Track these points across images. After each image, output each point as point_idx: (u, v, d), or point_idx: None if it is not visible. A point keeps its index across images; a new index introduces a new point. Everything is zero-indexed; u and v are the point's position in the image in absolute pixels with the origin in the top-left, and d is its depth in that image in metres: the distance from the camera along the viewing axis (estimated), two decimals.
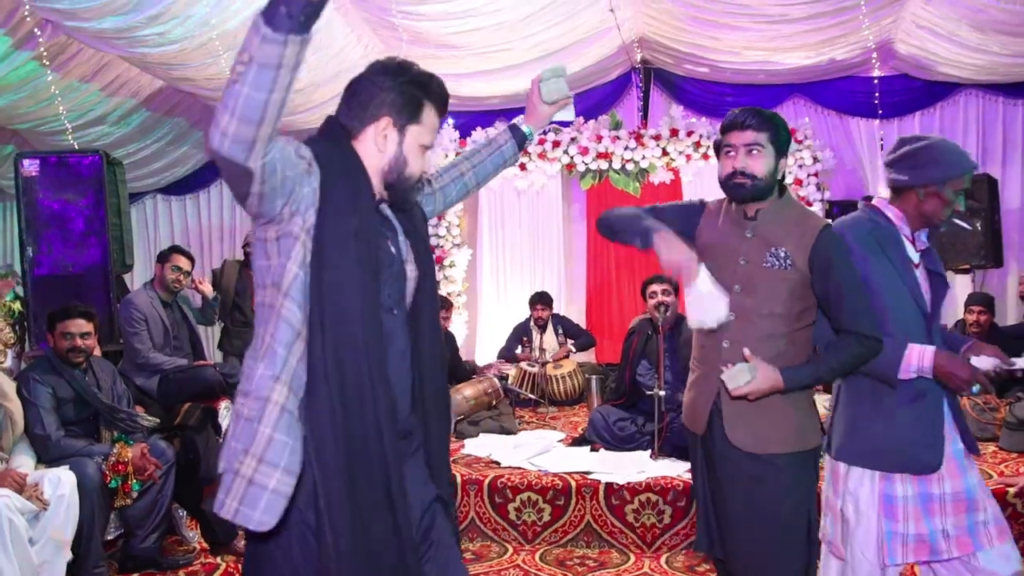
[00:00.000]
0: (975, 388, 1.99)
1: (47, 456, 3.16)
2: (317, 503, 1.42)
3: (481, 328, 6.92)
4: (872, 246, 2.06)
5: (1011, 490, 3.19)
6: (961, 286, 5.71)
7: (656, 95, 6.45)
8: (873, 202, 2.18)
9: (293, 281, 1.41)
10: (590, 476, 3.66)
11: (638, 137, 5.89)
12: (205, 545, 3.60)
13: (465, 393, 4.81)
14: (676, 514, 3.49)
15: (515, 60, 5.45)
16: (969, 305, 4.72)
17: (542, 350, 5.61)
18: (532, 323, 5.94)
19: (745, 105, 2.15)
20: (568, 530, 3.59)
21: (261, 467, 1.40)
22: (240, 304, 5.35)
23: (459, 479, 3.67)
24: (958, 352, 2.14)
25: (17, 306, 4.53)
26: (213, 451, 3.63)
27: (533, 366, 5.60)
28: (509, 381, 5.51)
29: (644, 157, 5.90)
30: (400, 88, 1.52)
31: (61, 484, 2.96)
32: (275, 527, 1.41)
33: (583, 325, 6.60)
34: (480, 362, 6.10)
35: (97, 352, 3.60)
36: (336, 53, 5.02)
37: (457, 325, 6.28)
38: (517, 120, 1.94)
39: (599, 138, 5.92)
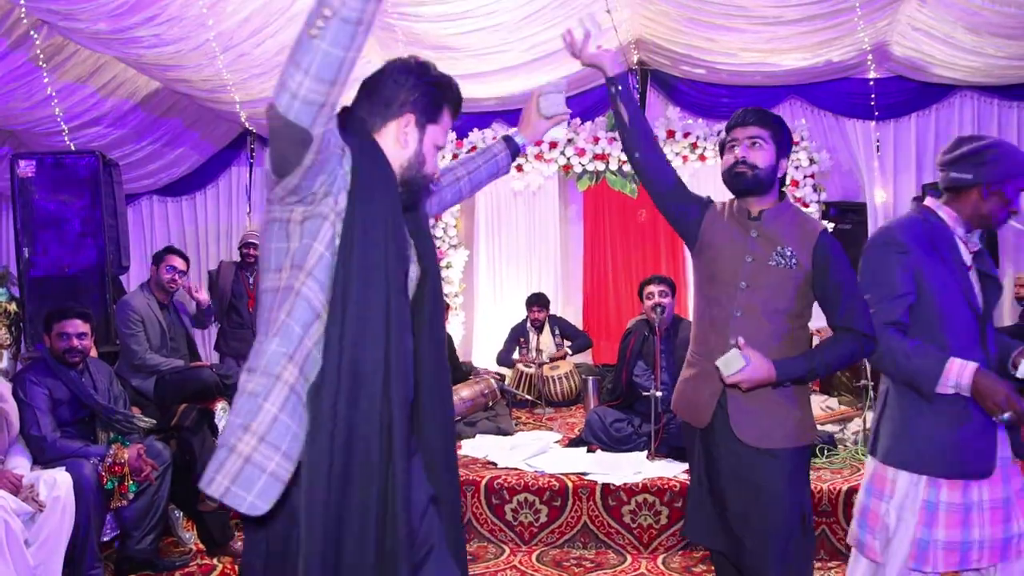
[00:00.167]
0: (1005, 415, 1.90)
1: (43, 457, 3.16)
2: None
3: (478, 329, 6.91)
4: (927, 247, 2.03)
5: None
6: None
7: (653, 96, 6.45)
8: (925, 203, 2.13)
9: (319, 262, 1.38)
10: (587, 477, 3.66)
11: None
12: (201, 546, 3.59)
13: (462, 394, 4.81)
14: (673, 515, 3.50)
15: (512, 62, 5.45)
16: None
17: (539, 351, 5.62)
18: (529, 324, 5.94)
19: (741, 106, 2.21)
20: (565, 531, 3.60)
21: (261, 447, 1.33)
22: (237, 305, 5.34)
23: None
24: (1008, 357, 2.10)
25: (12, 307, 4.51)
26: (209, 452, 3.59)
27: (530, 367, 5.60)
28: (506, 382, 5.52)
29: None
30: (423, 87, 1.54)
31: (57, 485, 2.96)
32: (268, 513, 1.35)
33: (580, 326, 6.60)
34: (477, 363, 6.10)
35: (93, 353, 3.59)
36: None
37: (454, 326, 6.28)
38: (512, 131, 2.00)
39: (596, 139, 5.93)
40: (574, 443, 4.26)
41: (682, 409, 2.22)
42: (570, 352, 5.88)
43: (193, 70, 4.76)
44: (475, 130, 6.10)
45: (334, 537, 1.36)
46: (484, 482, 3.67)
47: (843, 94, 6.02)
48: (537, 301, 5.95)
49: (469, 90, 6.28)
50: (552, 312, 6.14)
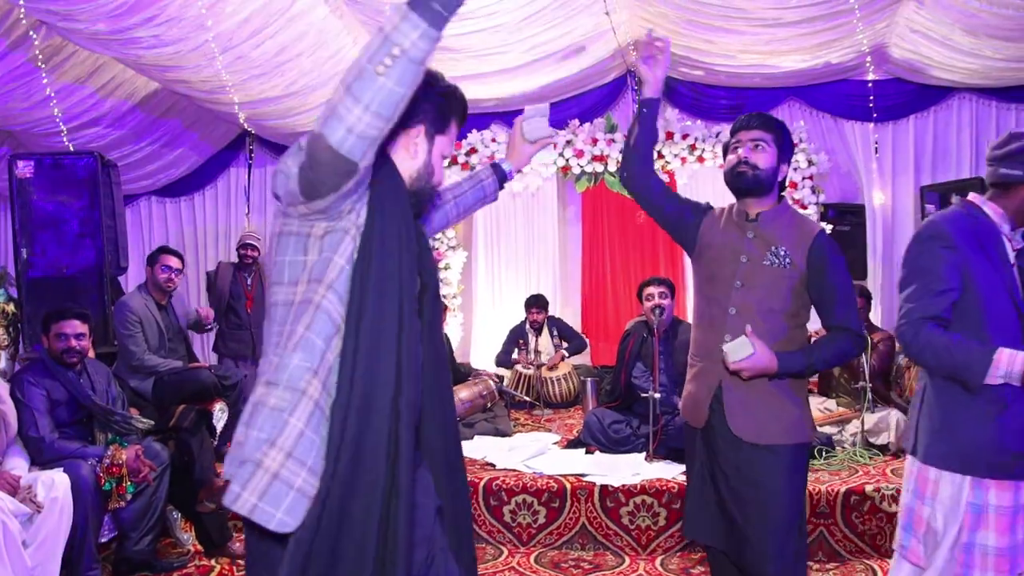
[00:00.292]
0: None
1: (41, 458, 3.15)
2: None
3: (476, 331, 6.91)
4: (974, 243, 1.98)
5: None
6: None
7: None
8: (969, 198, 2.09)
9: (339, 275, 1.38)
10: (585, 478, 3.66)
11: None
12: (199, 547, 3.59)
13: (460, 395, 4.81)
14: (671, 516, 3.50)
15: (512, 63, 5.45)
16: None
17: (537, 352, 5.61)
18: (527, 326, 5.94)
19: (740, 107, 2.25)
20: (563, 532, 3.59)
21: (289, 463, 1.32)
22: (235, 306, 5.34)
23: None
24: None
25: (10, 308, 4.50)
26: (207, 453, 3.62)
27: (528, 368, 5.60)
28: (504, 383, 5.52)
29: None
30: (433, 99, 1.54)
31: (55, 486, 2.95)
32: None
33: (578, 328, 6.60)
34: (475, 364, 6.10)
35: (91, 354, 3.59)
36: (331, 55, 5.01)
37: (452, 328, 6.28)
38: (499, 159, 2.04)
39: (595, 141, 5.93)
40: (572, 444, 4.26)
41: (686, 408, 2.26)
42: (567, 354, 5.88)
43: (192, 71, 4.76)
44: (474, 131, 6.10)
45: (332, 547, 1.35)
46: (482, 483, 3.67)
47: (842, 96, 6.03)
48: (536, 303, 5.95)
49: (469, 91, 6.24)
50: (551, 313, 6.15)
